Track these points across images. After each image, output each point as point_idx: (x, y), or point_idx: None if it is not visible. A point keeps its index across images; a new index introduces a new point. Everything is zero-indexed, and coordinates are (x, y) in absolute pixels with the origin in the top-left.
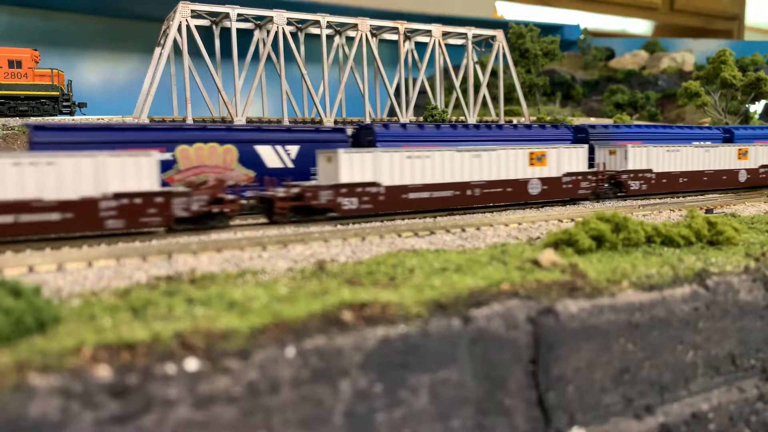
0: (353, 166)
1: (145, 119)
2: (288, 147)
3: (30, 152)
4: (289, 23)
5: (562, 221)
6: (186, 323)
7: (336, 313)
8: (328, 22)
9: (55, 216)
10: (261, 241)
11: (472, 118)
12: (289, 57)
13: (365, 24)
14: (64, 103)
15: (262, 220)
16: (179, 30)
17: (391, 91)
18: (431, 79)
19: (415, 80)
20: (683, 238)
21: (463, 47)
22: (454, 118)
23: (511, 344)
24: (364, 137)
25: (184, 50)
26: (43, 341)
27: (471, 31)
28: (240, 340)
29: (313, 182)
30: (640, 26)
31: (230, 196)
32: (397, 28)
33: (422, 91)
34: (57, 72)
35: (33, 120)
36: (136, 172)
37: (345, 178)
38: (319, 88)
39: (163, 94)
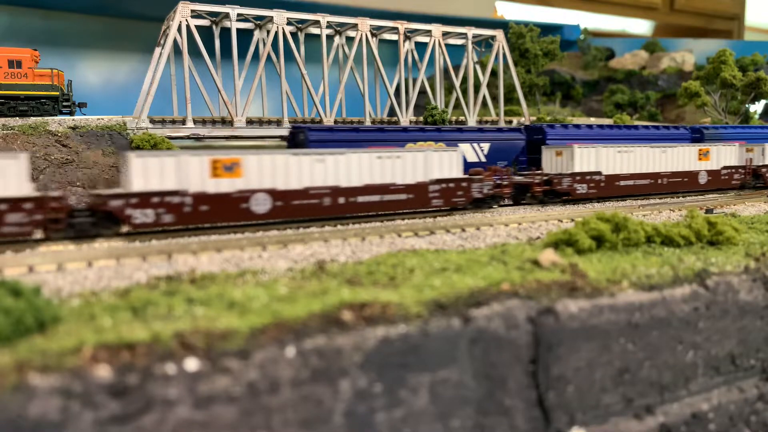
0: (583, 159)
1: (144, 119)
2: (482, 144)
3: (381, 148)
4: (289, 23)
5: (562, 221)
6: (186, 323)
7: (336, 313)
8: (328, 22)
9: (402, 196)
10: (261, 241)
11: (472, 119)
12: (289, 57)
13: (365, 24)
14: (64, 103)
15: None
16: (179, 30)
17: (391, 91)
18: (431, 79)
19: (415, 80)
20: (683, 238)
21: (463, 47)
22: (453, 119)
23: (511, 344)
24: (532, 135)
25: (184, 50)
26: (43, 341)
27: (471, 31)
28: (240, 340)
29: (552, 171)
30: (640, 26)
31: (505, 182)
32: (397, 28)
33: (422, 91)
34: (57, 72)
35: (300, 123)
36: (448, 164)
37: (578, 168)
38: (319, 88)
39: (163, 94)
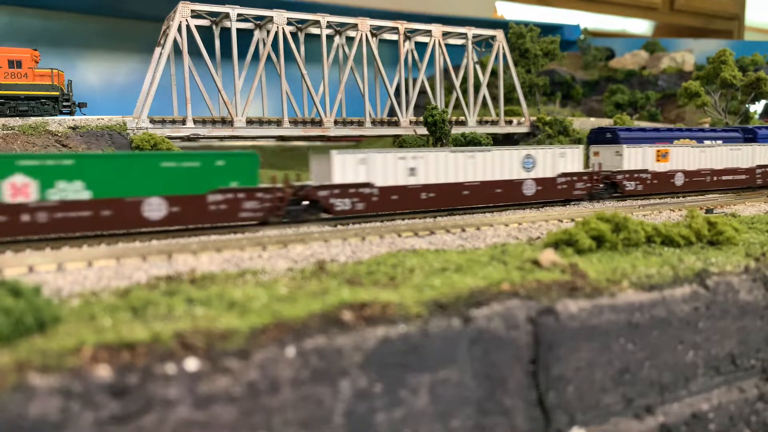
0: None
1: (144, 119)
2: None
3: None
4: (289, 23)
5: (562, 221)
6: (186, 323)
7: (336, 313)
8: (328, 22)
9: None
10: (261, 241)
11: (472, 119)
12: (289, 57)
13: (365, 24)
14: (64, 103)
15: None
16: (179, 30)
17: (391, 91)
18: (431, 79)
19: (415, 80)
20: (683, 238)
21: (463, 47)
22: (454, 118)
23: (511, 344)
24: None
25: (184, 50)
26: (43, 341)
27: (471, 31)
28: (240, 340)
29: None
30: (640, 26)
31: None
32: (397, 28)
33: (422, 91)
34: (57, 72)
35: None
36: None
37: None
38: (319, 88)
39: (163, 94)
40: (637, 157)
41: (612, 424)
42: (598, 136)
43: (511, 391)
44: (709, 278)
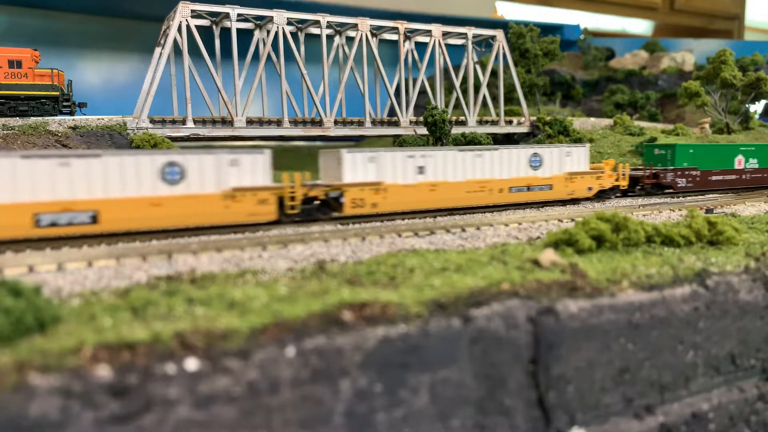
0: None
1: (145, 119)
2: None
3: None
4: (289, 23)
5: (562, 221)
6: (186, 323)
7: (336, 313)
8: (328, 22)
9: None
10: (261, 241)
11: (472, 118)
12: (289, 57)
13: (365, 24)
14: (64, 103)
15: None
16: (179, 30)
17: (391, 91)
18: (431, 79)
19: (415, 80)
20: (683, 238)
21: (463, 47)
22: (454, 118)
23: (511, 344)
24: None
25: (184, 50)
26: (43, 341)
27: (471, 31)
28: (240, 340)
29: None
30: (640, 26)
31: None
32: (397, 28)
33: (422, 91)
34: (57, 72)
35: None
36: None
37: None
38: (319, 88)
39: (163, 94)
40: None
41: (612, 424)
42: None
43: (511, 391)
44: (709, 278)
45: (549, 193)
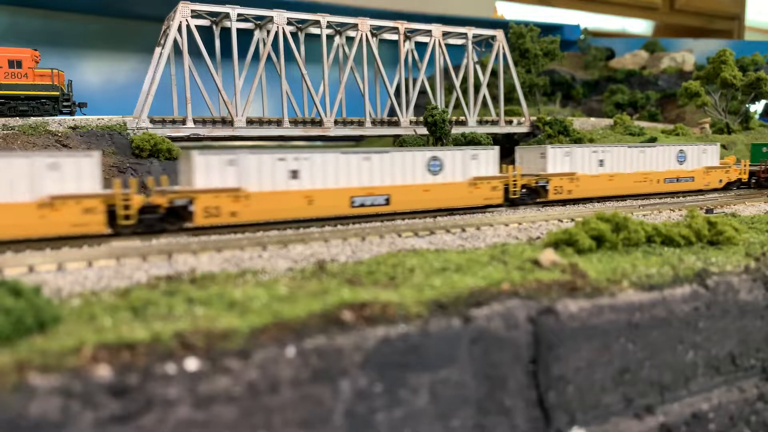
0: None
1: (145, 119)
2: None
3: None
4: (289, 23)
5: (562, 221)
6: (186, 323)
7: (336, 313)
8: (328, 22)
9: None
10: (261, 241)
11: (472, 118)
12: (289, 57)
13: (365, 24)
14: (64, 103)
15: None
16: (179, 30)
17: (391, 91)
18: (431, 79)
19: (415, 80)
20: (683, 238)
21: (463, 47)
22: (454, 118)
23: (511, 344)
24: None
25: (184, 50)
26: (43, 341)
27: (471, 31)
28: (240, 339)
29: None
30: (640, 26)
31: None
32: (397, 28)
33: (422, 91)
34: (57, 72)
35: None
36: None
37: None
38: (319, 88)
39: (163, 94)
40: None
41: (612, 424)
42: None
43: (511, 391)
44: (709, 278)
45: (691, 183)
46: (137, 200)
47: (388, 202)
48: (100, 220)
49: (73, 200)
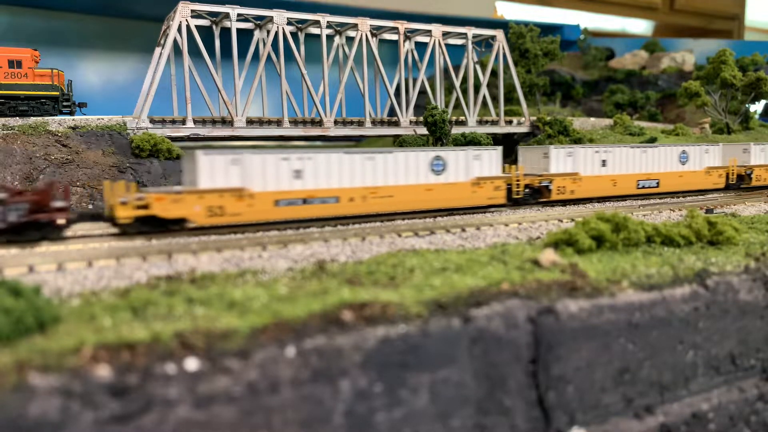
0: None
1: (144, 119)
2: None
3: None
4: (289, 23)
5: (562, 221)
6: (186, 323)
7: (336, 313)
8: (328, 22)
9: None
10: (261, 241)
11: (472, 118)
12: (289, 57)
13: (365, 24)
14: (64, 103)
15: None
16: (179, 30)
17: (391, 91)
18: (431, 79)
19: (415, 80)
20: (683, 238)
21: (463, 47)
22: (454, 118)
23: (511, 344)
24: None
25: (184, 50)
26: (43, 341)
27: (471, 31)
28: (240, 339)
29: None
30: (640, 26)
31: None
32: (397, 28)
33: (422, 91)
34: (57, 72)
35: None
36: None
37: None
38: (319, 88)
39: (163, 94)
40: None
41: (612, 424)
42: None
43: (511, 390)
44: (709, 278)
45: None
46: (523, 181)
47: None
48: (503, 195)
49: (488, 180)
